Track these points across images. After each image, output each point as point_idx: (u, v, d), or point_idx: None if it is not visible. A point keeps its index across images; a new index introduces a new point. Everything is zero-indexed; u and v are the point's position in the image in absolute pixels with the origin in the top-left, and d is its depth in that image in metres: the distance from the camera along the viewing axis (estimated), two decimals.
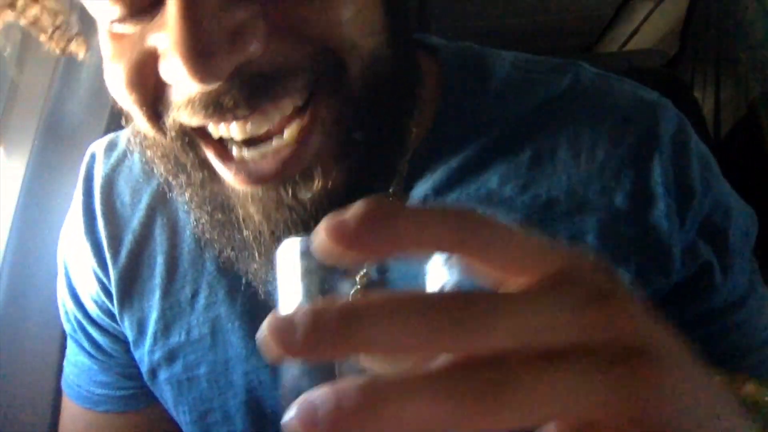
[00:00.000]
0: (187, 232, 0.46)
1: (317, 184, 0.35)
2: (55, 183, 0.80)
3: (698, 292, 0.42)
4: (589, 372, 0.18)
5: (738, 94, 1.00)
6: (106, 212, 0.47)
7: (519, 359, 0.18)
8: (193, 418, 0.46)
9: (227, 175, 0.36)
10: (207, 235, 0.40)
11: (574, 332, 0.19)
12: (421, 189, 0.42)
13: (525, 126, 0.41)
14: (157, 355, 0.46)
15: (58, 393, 0.77)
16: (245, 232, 0.37)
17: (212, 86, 0.31)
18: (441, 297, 0.20)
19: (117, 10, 0.33)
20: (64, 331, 0.78)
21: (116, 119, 0.85)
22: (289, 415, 0.17)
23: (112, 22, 0.34)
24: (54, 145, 0.80)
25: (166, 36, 0.30)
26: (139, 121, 0.37)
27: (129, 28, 0.34)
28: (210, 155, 0.36)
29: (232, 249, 0.40)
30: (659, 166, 0.40)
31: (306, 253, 0.23)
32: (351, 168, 0.36)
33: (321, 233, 0.18)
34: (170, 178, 0.39)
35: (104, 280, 0.47)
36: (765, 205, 0.98)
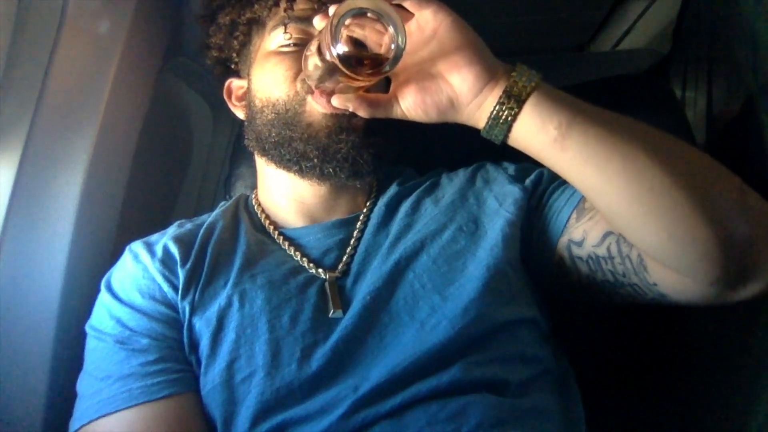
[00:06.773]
0: (225, 248, 0.75)
1: (355, 124, 0.72)
2: (49, 178, 0.80)
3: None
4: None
5: (731, 93, 1.01)
6: (177, 242, 0.75)
7: None
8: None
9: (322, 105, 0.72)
10: (277, 149, 0.75)
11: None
12: (384, 198, 0.82)
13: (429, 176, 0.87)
14: (204, 314, 0.68)
15: (51, 392, 0.77)
16: (311, 139, 0.72)
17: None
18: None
19: (286, 42, 0.76)
20: (57, 331, 0.78)
21: (110, 114, 0.85)
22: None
23: (281, 46, 0.76)
24: (47, 139, 0.79)
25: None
26: (283, 88, 0.74)
27: (290, 49, 0.76)
28: (317, 97, 0.72)
29: (295, 158, 0.74)
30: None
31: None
32: (369, 130, 0.73)
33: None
34: (276, 121, 0.75)
35: (173, 279, 0.71)
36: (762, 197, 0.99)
